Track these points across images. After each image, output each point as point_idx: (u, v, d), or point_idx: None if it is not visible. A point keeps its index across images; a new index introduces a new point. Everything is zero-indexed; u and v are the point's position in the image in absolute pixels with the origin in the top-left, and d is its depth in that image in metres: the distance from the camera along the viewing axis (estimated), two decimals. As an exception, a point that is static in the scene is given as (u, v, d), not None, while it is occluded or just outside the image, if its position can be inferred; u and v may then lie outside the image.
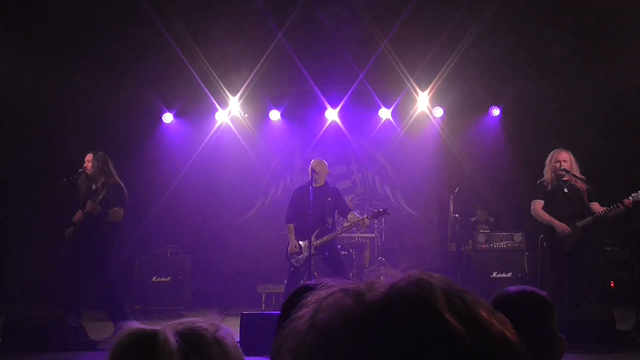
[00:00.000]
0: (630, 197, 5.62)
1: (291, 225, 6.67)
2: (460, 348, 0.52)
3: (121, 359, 1.01)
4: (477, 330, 0.54)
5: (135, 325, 1.05)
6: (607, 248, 8.34)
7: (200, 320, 1.08)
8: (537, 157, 6.28)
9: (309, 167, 6.67)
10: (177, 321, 1.07)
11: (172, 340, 1.00)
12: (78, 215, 6.31)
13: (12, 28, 7.36)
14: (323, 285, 0.63)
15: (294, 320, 0.60)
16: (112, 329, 6.13)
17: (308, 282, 1.10)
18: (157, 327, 1.02)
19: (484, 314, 0.57)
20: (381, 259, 8.58)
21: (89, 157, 6.35)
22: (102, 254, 6.20)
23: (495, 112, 9.42)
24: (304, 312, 0.60)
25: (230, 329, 1.11)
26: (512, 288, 1.83)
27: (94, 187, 6.28)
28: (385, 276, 0.61)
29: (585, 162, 6.80)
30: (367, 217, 6.51)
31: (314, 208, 6.34)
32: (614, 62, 7.93)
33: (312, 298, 0.61)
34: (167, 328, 1.03)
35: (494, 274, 7.71)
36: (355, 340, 0.54)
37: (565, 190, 5.95)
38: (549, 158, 6.09)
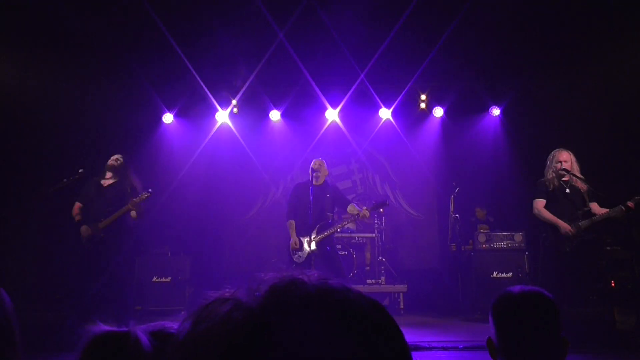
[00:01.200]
0: (631, 202, 5.61)
1: (292, 222, 6.70)
2: (340, 344, 0.53)
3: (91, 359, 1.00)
4: (355, 325, 0.56)
5: (105, 327, 1.04)
6: (608, 247, 8.32)
7: (170, 324, 1.07)
8: (538, 156, 6.28)
9: (310, 167, 6.69)
10: (150, 324, 1.06)
11: (144, 339, 0.99)
12: (76, 212, 6.37)
13: (12, 29, 7.35)
14: (204, 298, 0.63)
15: (179, 331, 0.61)
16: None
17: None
18: (126, 329, 1.01)
19: (363, 309, 0.58)
20: (381, 259, 8.58)
21: (117, 156, 6.45)
22: (118, 257, 6.29)
23: (496, 111, 9.42)
24: (185, 325, 0.60)
25: None
26: (517, 288, 1.81)
27: (103, 183, 6.33)
28: (265, 280, 0.61)
29: (587, 162, 6.81)
30: (367, 209, 6.55)
31: (314, 207, 6.39)
32: (615, 61, 7.92)
33: (194, 311, 0.61)
34: (139, 329, 1.02)
35: (495, 274, 7.71)
36: (236, 345, 0.54)
37: (567, 190, 5.94)
38: (549, 158, 6.08)
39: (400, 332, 0.61)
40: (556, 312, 1.73)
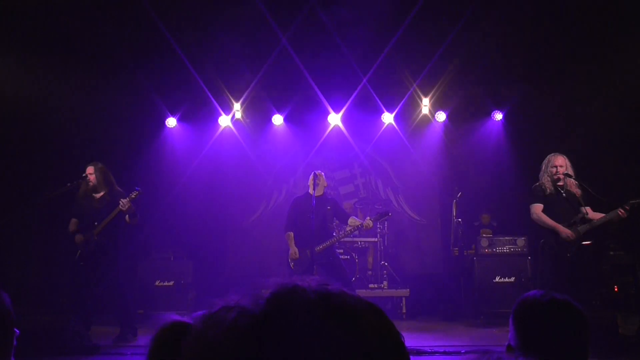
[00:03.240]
0: (627, 205, 5.62)
1: (290, 233, 6.73)
2: (340, 348, 0.55)
3: (159, 350, 1.02)
4: (355, 330, 0.58)
5: (175, 317, 1.07)
6: (611, 252, 8.31)
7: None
8: (540, 161, 6.27)
9: (311, 177, 6.69)
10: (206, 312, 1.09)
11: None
12: (72, 226, 6.42)
13: (16, 33, 7.39)
14: (210, 305, 0.65)
15: (186, 341, 0.62)
16: (117, 333, 6.15)
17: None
18: (190, 319, 1.04)
19: (363, 314, 0.60)
20: (384, 264, 8.58)
21: (90, 169, 6.43)
22: (116, 261, 6.30)
23: (498, 116, 9.42)
24: (193, 331, 0.62)
25: None
26: (542, 295, 1.76)
27: (96, 196, 6.37)
28: (267, 287, 0.63)
29: (588, 167, 6.81)
30: (370, 219, 6.56)
31: (316, 217, 6.40)
32: (617, 66, 7.92)
33: (201, 318, 0.63)
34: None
35: (497, 279, 7.69)
36: (243, 351, 0.56)
37: (564, 194, 5.95)
38: (545, 162, 6.09)
39: (398, 334, 0.63)
40: (587, 325, 1.69)
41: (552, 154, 6.10)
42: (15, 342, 1.90)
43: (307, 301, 0.59)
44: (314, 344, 0.55)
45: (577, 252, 5.82)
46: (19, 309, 1.94)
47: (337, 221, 7.02)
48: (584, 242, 5.84)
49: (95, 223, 6.27)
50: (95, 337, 5.88)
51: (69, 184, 6.48)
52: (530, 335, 1.68)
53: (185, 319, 1.04)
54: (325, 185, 6.95)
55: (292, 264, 6.66)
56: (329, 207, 6.73)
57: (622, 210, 5.61)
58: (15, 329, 1.88)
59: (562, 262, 5.86)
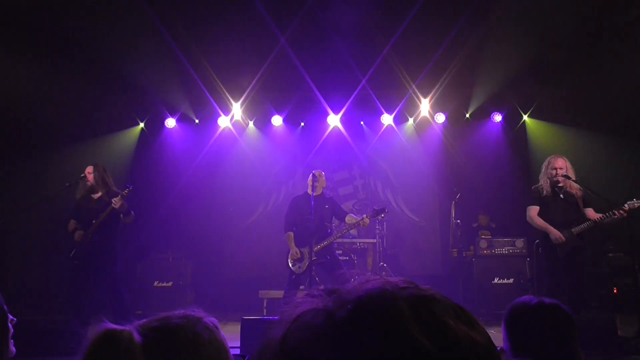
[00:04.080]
0: (625, 206, 5.62)
1: (290, 233, 6.74)
2: None
3: (89, 356, 1.03)
4: (443, 340, 0.55)
5: (106, 325, 1.06)
6: (610, 254, 8.31)
7: (178, 316, 1.08)
8: (539, 163, 6.28)
9: (311, 176, 6.69)
10: (157, 316, 1.09)
11: (137, 339, 1.00)
12: (72, 226, 6.41)
13: (14, 34, 7.39)
14: (296, 303, 0.63)
15: (267, 340, 0.61)
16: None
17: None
18: (126, 327, 1.03)
19: (451, 321, 0.58)
20: (383, 265, 8.57)
21: (90, 169, 6.44)
22: (112, 261, 6.30)
23: (497, 118, 9.43)
24: (275, 333, 0.60)
25: (215, 321, 1.11)
26: (532, 299, 1.79)
27: (94, 197, 6.38)
28: (351, 286, 0.61)
29: (588, 168, 6.81)
30: (366, 217, 6.56)
31: (315, 217, 6.40)
32: (618, 68, 7.93)
33: (283, 317, 0.62)
34: (141, 326, 1.04)
35: (496, 280, 7.70)
36: (328, 358, 0.55)
37: (561, 196, 5.96)
38: (545, 164, 6.10)
39: (490, 346, 0.60)
40: (574, 328, 1.72)
41: (552, 155, 6.12)
42: (12, 330, 1.91)
43: (398, 308, 0.57)
44: (400, 355, 0.54)
45: (571, 254, 5.83)
46: (17, 310, 1.94)
47: (336, 220, 7.02)
48: (577, 244, 5.84)
49: (93, 222, 6.28)
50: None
51: (67, 185, 6.49)
52: (521, 339, 1.71)
53: (119, 326, 1.04)
54: (324, 185, 6.95)
55: (291, 263, 6.66)
56: (327, 207, 6.74)
57: (621, 211, 5.62)
58: (12, 317, 1.89)
59: (556, 263, 5.87)
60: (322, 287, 0.65)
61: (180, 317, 1.08)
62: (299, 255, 6.58)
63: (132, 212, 6.39)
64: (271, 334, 0.61)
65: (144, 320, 1.07)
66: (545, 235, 5.96)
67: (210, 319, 1.10)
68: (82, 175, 6.42)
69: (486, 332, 0.61)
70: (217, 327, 1.11)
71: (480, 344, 0.58)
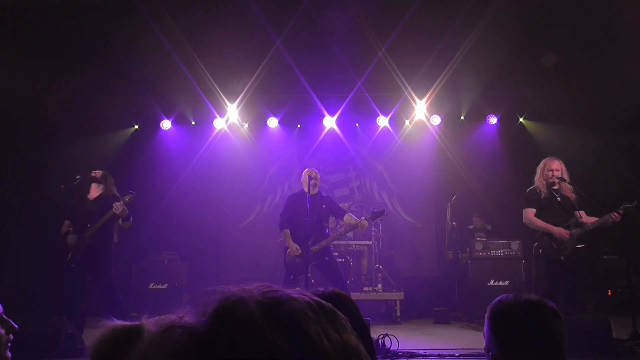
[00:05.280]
0: (620, 209, 5.65)
1: (287, 231, 6.67)
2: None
3: (103, 355, 1.01)
4: (302, 341, 0.56)
5: (116, 322, 1.05)
6: (605, 257, 8.35)
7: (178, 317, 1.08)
8: (534, 165, 6.30)
9: (306, 176, 6.64)
10: (164, 316, 1.08)
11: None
12: (65, 227, 6.38)
13: (9, 34, 7.36)
14: (157, 323, 0.63)
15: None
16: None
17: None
18: (138, 322, 1.02)
19: (309, 322, 0.58)
20: (378, 267, 8.57)
21: (99, 171, 6.45)
22: (108, 264, 6.28)
23: (493, 120, 9.46)
24: (137, 354, 0.59)
25: None
26: (518, 297, 1.77)
27: (90, 198, 6.35)
28: (208, 298, 0.61)
29: (582, 170, 6.84)
30: (365, 219, 6.52)
31: (311, 215, 6.36)
32: (612, 70, 7.96)
33: (146, 337, 0.61)
34: (150, 323, 1.03)
35: (491, 282, 7.72)
36: None
37: (559, 199, 5.97)
38: (540, 166, 6.11)
39: (352, 339, 0.61)
40: (560, 325, 1.71)
41: (548, 157, 6.13)
42: (12, 336, 1.90)
43: (251, 314, 0.57)
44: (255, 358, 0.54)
45: (571, 256, 5.84)
46: (12, 312, 1.93)
47: (333, 218, 6.96)
48: (577, 246, 5.86)
49: (88, 225, 6.24)
50: (88, 339, 5.85)
51: (62, 186, 6.45)
52: (510, 340, 1.69)
53: (127, 322, 1.03)
54: (319, 184, 6.89)
55: (290, 263, 6.58)
56: (324, 206, 6.67)
57: (616, 215, 5.65)
58: (14, 323, 1.88)
59: (555, 265, 5.88)
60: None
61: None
62: (299, 252, 6.46)
63: (131, 217, 6.37)
64: (135, 352, 0.60)
65: (151, 319, 1.06)
66: (544, 236, 5.95)
67: None
68: (78, 177, 6.40)
69: (348, 331, 0.61)
70: None
71: (338, 342, 0.58)
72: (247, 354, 0.54)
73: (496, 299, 1.79)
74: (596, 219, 5.82)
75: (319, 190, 6.82)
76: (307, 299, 0.61)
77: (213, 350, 0.55)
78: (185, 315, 0.60)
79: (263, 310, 0.57)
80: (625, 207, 5.65)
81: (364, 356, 0.60)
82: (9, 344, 1.85)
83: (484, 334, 1.79)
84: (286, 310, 0.58)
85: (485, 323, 1.76)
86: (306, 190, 6.51)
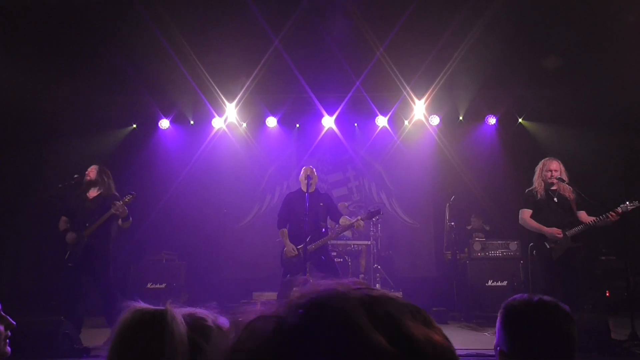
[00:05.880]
0: (618, 209, 5.65)
1: (284, 230, 6.66)
2: None
3: (128, 335, 1.02)
4: (401, 340, 0.54)
5: (141, 305, 1.06)
6: (603, 257, 8.35)
7: (199, 310, 1.08)
8: (533, 166, 6.30)
9: (303, 174, 6.62)
10: (180, 308, 1.08)
11: (180, 318, 1.00)
12: (63, 224, 6.34)
13: (8, 33, 7.35)
14: (243, 311, 0.61)
15: (218, 352, 0.59)
16: (108, 335, 6.08)
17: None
18: (163, 307, 1.03)
19: (409, 322, 0.57)
20: (377, 267, 8.57)
21: (94, 167, 6.38)
22: (107, 263, 6.26)
23: (492, 120, 9.46)
24: (225, 343, 0.59)
25: (227, 320, 1.11)
26: (523, 297, 1.78)
27: (89, 197, 6.31)
28: (301, 290, 0.59)
29: (581, 170, 6.84)
30: (360, 218, 6.50)
31: (309, 214, 6.34)
32: (611, 71, 7.97)
33: (232, 326, 0.60)
34: (174, 308, 1.04)
35: (490, 282, 7.71)
36: None
37: (555, 199, 5.98)
38: (539, 166, 6.12)
39: (447, 344, 0.60)
40: (574, 325, 1.71)
41: (547, 158, 6.14)
42: (9, 333, 1.90)
43: (351, 309, 0.55)
44: (356, 358, 0.52)
45: (566, 256, 5.85)
46: (10, 312, 1.92)
47: (331, 221, 6.96)
48: (572, 246, 5.86)
49: (87, 224, 6.20)
50: (85, 339, 5.83)
51: (60, 185, 6.41)
52: (520, 338, 1.69)
53: (150, 306, 1.04)
54: (316, 181, 6.86)
55: (286, 263, 6.57)
56: (321, 204, 6.65)
57: (613, 214, 5.65)
58: (12, 320, 1.88)
59: (551, 265, 5.89)
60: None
61: (202, 310, 1.09)
62: (295, 252, 6.47)
63: (131, 217, 6.34)
64: (221, 344, 0.59)
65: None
66: (539, 237, 5.97)
67: (222, 317, 1.10)
68: (76, 175, 6.37)
69: (443, 332, 0.60)
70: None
71: (437, 343, 0.57)
72: (343, 349, 0.52)
73: (511, 298, 1.80)
74: (593, 218, 5.83)
75: (316, 188, 6.79)
76: (403, 300, 0.60)
77: (307, 343, 0.53)
78: (279, 307, 0.59)
79: (363, 307, 0.56)
80: (623, 207, 5.66)
81: (456, 356, 0.59)
82: (7, 340, 1.85)
83: (495, 331, 1.79)
84: (387, 309, 0.57)
85: (498, 320, 1.78)
86: (304, 189, 6.50)
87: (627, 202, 5.67)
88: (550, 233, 5.85)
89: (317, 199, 6.64)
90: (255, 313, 0.60)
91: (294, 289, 0.62)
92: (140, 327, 1.02)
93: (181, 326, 1.01)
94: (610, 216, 5.66)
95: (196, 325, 1.03)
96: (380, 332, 0.53)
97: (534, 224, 5.99)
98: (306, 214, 6.27)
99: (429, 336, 0.57)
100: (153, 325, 1.01)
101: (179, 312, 1.05)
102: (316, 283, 0.61)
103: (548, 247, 5.88)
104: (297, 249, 6.49)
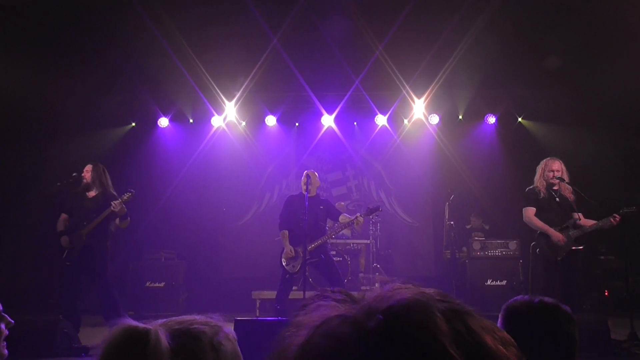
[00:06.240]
0: (620, 212, 5.66)
1: (285, 232, 6.69)
2: None
3: (112, 354, 1.01)
4: (478, 357, 0.53)
5: (129, 322, 1.05)
6: (602, 257, 8.35)
7: (201, 321, 1.07)
8: (533, 165, 6.29)
9: (304, 177, 6.64)
10: (178, 319, 1.07)
11: (164, 340, 0.99)
12: (61, 225, 6.33)
13: (7, 32, 7.33)
14: (317, 304, 0.60)
15: (285, 343, 0.58)
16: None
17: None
18: (151, 326, 1.02)
19: (489, 340, 0.55)
20: (376, 266, 8.57)
21: (89, 167, 6.36)
22: (105, 262, 6.24)
23: (491, 119, 9.46)
24: (296, 337, 0.57)
25: (233, 332, 1.09)
26: (524, 298, 1.78)
27: (88, 196, 6.30)
28: (380, 294, 0.58)
29: (581, 171, 6.83)
30: (360, 215, 6.52)
31: (309, 215, 6.36)
32: (611, 71, 7.97)
33: (304, 320, 0.58)
34: (163, 327, 1.03)
35: (489, 282, 7.71)
36: None
37: (557, 199, 5.97)
38: (541, 166, 6.10)
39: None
40: (576, 326, 1.71)
41: (549, 158, 6.12)
42: (7, 332, 1.89)
43: (430, 320, 0.53)
44: None
45: (568, 257, 5.84)
46: (9, 311, 1.91)
47: (330, 221, 7.00)
48: (574, 247, 5.86)
49: (85, 223, 6.19)
50: (84, 338, 5.83)
51: (58, 184, 6.40)
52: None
53: (141, 324, 1.03)
54: (318, 185, 6.91)
55: (285, 262, 6.60)
56: (321, 207, 6.71)
57: (618, 217, 5.65)
58: (10, 319, 1.87)
59: (552, 265, 5.88)
60: (337, 288, 0.62)
61: (202, 322, 1.07)
62: (293, 254, 6.51)
63: (129, 217, 6.33)
64: (290, 338, 0.58)
65: (162, 320, 1.05)
66: (542, 236, 5.95)
67: (229, 329, 1.08)
68: (74, 174, 6.35)
69: (520, 352, 0.59)
70: (235, 339, 1.09)
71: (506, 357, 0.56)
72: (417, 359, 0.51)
73: (512, 299, 1.81)
74: (595, 222, 5.82)
75: (317, 193, 6.84)
76: (482, 317, 0.58)
77: (385, 350, 0.52)
78: (357, 308, 0.57)
79: (445, 321, 0.54)
80: (624, 212, 5.66)
81: None
82: (4, 343, 1.84)
83: None
84: (468, 325, 0.55)
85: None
86: (304, 191, 6.53)
87: (625, 208, 5.69)
88: (556, 238, 5.83)
89: (317, 203, 6.69)
90: (328, 310, 0.58)
91: (371, 287, 0.60)
92: (124, 346, 1.02)
93: (164, 347, 1.00)
94: (612, 220, 5.67)
95: (185, 346, 1.02)
96: (461, 349, 0.52)
97: (539, 223, 5.95)
98: (306, 215, 6.28)
99: (507, 356, 0.56)
100: (135, 345, 1.00)
101: (169, 328, 1.03)
102: (396, 287, 0.59)
103: (551, 247, 5.86)
104: (296, 251, 6.52)
